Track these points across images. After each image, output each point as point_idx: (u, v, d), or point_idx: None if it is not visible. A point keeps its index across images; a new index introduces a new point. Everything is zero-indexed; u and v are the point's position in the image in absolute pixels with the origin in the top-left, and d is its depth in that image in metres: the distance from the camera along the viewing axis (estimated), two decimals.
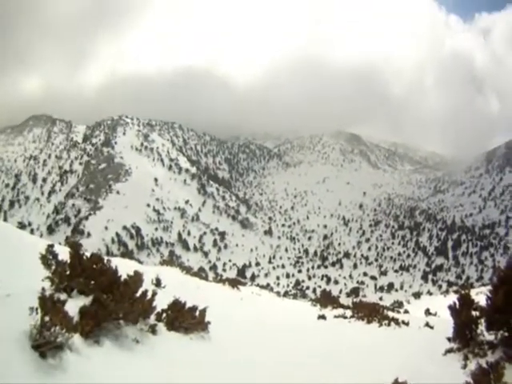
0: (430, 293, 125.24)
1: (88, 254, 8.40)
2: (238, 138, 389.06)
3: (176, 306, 9.04)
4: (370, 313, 19.31)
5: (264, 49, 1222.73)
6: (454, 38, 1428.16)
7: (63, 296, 6.84)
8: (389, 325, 17.18)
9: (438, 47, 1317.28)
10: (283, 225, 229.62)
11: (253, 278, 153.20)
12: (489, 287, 9.28)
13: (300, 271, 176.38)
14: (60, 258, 8.15)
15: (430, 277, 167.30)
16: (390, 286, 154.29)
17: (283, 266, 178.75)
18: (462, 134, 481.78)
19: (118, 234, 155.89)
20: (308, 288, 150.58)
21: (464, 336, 9.53)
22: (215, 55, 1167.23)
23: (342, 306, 26.09)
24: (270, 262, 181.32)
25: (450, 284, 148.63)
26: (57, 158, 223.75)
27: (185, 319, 8.98)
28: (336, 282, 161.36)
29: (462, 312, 9.66)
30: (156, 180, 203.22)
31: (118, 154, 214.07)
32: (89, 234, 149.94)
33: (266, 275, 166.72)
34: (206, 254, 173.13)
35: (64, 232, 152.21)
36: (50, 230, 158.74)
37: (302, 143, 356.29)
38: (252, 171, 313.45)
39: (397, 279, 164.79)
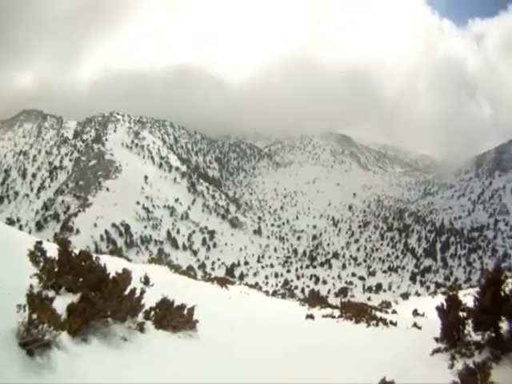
0: (418, 294, 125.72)
1: (76, 252, 8.36)
2: (228, 137, 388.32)
3: (164, 305, 9.02)
4: (358, 313, 19.36)
5: (259, 49, 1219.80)
6: (447, 42, 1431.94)
7: (51, 293, 6.79)
8: (377, 325, 17.23)
9: (432, 51, 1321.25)
10: (272, 224, 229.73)
11: (241, 277, 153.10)
12: (476, 289, 9.33)
13: (289, 271, 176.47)
14: (48, 254, 8.10)
15: (419, 278, 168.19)
16: (379, 287, 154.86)
17: (272, 266, 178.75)
18: (453, 138, 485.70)
19: (107, 232, 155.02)
20: (296, 288, 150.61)
21: (451, 336, 9.58)
22: (210, 54, 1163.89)
23: (331, 306, 26.11)
24: (258, 261, 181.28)
25: (438, 285, 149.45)
26: (47, 154, 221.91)
27: (173, 317, 8.97)
28: (324, 282, 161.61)
29: (450, 313, 9.71)
30: (146, 178, 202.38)
31: (108, 150, 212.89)
32: (78, 231, 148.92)
33: (255, 274, 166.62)
34: (194, 253, 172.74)
35: (53, 229, 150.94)
36: (39, 227, 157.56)
37: (293, 143, 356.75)
38: (242, 170, 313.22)
39: (385, 280, 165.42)
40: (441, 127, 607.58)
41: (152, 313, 8.67)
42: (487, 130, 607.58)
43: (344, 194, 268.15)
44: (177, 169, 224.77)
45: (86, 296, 6.71)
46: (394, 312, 32.97)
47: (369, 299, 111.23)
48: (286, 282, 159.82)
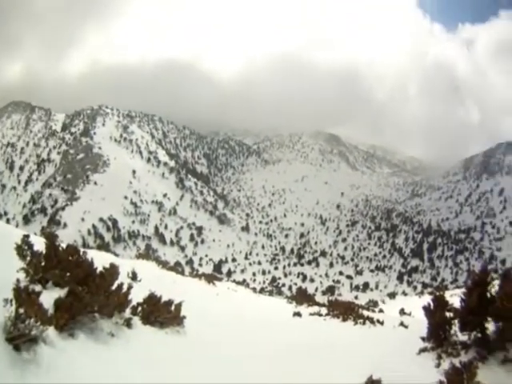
0: (404, 293, 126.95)
1: (64, 246, 8.29)
2: (217, 133, 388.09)
3: (152, 300, 8.99)
4: (345, 311, 19.46)
5: (249, 46, 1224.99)
6: (437, 46, 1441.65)
7: (38, 287, 6.73)
8: (364, 323, 17.32)
9: (422, 55, 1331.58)
10: (260, 222, 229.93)
11: (229, 273, 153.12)
12: (463, 289, 9.40)
13: (276, 268, 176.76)
14: (35, 248, 8.01)
15: (406, 278, 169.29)
16: (366, 286, 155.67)
17: (259, 263, 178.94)
18: (441, 141, 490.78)
19: (94, 226, 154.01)
20: (284, 285, 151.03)
21: (438, 336, 9.65)
22: (200, 49, 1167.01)
23: (318, 304, 26.22)
24: (246, 258, 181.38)
25: (424, 285, 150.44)
26: (35, 146, 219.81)
27: (160, 313, 8.95)
28: (312, 280, 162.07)
29: (436, 313, 9.78)
30: (134, 172, 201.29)
31: (96, 144, 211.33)
32: (65, 225, 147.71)
33: (243, 271, 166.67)
34: (182, 249, 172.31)
35: (40, 222, 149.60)
36: (26, 220, 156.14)
37: (282, 141, 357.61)
38: (231, 167, 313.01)
39: (372, 279, 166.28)
40: (429, 130, 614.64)
41: (139, 308, 8.63)
42: (475, 134, 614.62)
43: (332, 193, 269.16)
44: (165, 164, 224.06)
45: (73, 291, 6.65)
46: (381, 311, 33.21)
47: (356, 298, 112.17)
48: (274, 280, 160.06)
